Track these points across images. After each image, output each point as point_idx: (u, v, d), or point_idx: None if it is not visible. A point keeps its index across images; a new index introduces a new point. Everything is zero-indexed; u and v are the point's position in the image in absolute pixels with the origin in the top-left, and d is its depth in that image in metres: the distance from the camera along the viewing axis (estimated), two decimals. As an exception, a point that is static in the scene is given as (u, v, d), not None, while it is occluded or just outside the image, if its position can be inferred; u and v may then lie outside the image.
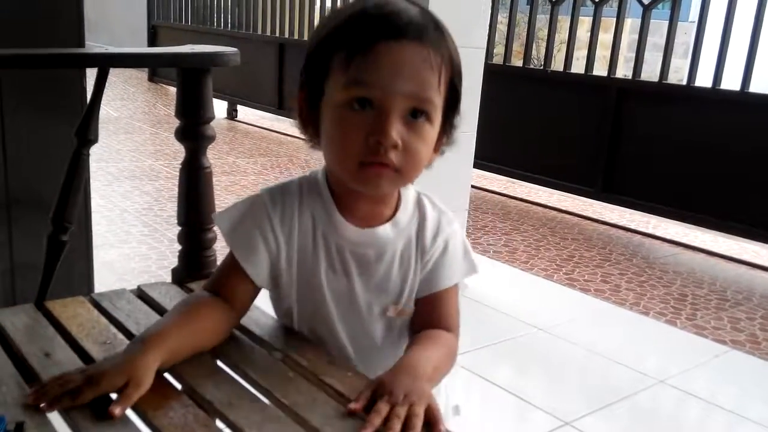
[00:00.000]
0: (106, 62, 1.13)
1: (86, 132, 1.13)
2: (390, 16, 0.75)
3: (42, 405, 0.68)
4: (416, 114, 0.76)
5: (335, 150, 0.79)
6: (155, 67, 6.65)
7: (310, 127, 0.83)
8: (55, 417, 0.70)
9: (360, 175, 0.77)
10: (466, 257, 0.89)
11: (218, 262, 1.29)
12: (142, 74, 7.54)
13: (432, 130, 0.78)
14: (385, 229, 0.85)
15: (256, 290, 0.88)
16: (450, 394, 0.96)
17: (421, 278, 0.87)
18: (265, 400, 0.75)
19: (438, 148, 0.83)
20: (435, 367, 0.77)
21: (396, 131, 0.74)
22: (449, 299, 0.88)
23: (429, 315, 0.87)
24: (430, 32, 0.77)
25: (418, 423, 0.67)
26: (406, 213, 0.86)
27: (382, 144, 0.74)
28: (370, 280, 0.86)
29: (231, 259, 0.86)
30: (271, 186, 0.89)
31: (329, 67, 0.77)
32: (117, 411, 0.67)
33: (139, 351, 0.73)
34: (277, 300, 0.91)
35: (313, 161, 4.29)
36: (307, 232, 0.85)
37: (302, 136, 0.86)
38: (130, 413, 0.70)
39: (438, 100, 0.77)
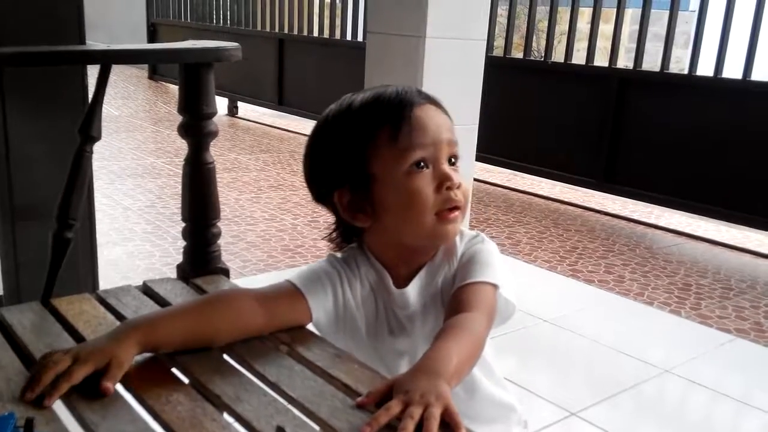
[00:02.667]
0: (108, 58, 1.13)
1: (89, 129, 1.13)
2: (403, 90, 0.87)
3: (45, 402, 0.69)
4: (452, 159, 0.86)
5: (413, 212, 0.84)
6: (157, 63, 6.64)
7: (360, 214, 0.87)
8: (63, 412, 0.70)
9: (438, 226, 0.84)
10: (496, 263, 0.90)
11: (222, 258, 1.30)
12: (142, 72, 7.54)
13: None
14: (422, 278, 0.90)
15: (302, 321, 0.88)
16: (517, 406, 0.99)
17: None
18: (273, 394, 0.75)
19: None
20: (458, 362, 0.75)
21: (456, 175, 0.84)
22: (472, 292, 0.86)
23: (453, 307, 0.86)
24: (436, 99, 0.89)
25: (434, 425, 0.64)
26: (440, 251, 0.91)
27: (451, 188, 0.83)
28: (424, 329, 0.89)
29: (289, 286, 0.88)
30: (335, 254, 0.94)
31: (367, 152, 0.84)
32: (110, 386, 0.72)
33: (121, 333, 0.78)
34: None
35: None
36: (369, 301, 0.90)
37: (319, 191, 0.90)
38: (138, 408, 0.70)
39: None
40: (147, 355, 0.80)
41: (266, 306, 0.86)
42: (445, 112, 0.89)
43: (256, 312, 0.85)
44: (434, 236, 0.86)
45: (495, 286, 0.86)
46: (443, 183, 0.83)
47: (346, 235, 0.93)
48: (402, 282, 0.90)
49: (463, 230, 0.92)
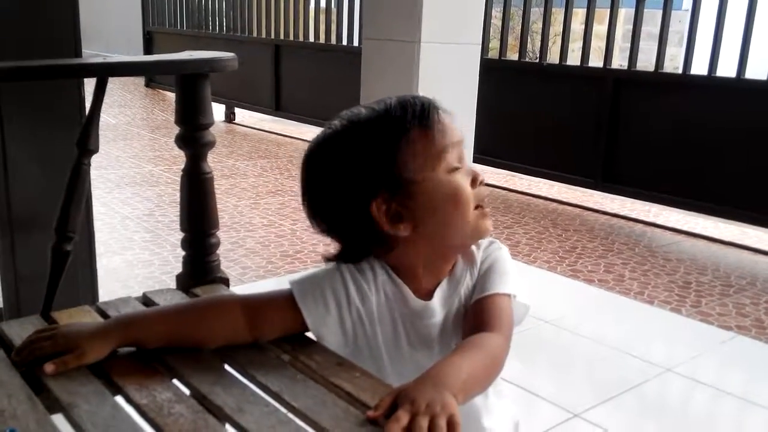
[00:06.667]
0: (104, 72, 1.14)
1: (87, 142, 1.13)
2: (416, 96, 0.87)
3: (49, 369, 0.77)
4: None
5: (460, 209, 0.85)
6: (154, 75, 6.64)
7: (401, 224, 0.84)
8: (66, 428, 0.70)
9: (480, 221, 0.86)
10: (510, 272, 0.91)
11: (221, 267, 1.30)
12: (139, 80, 7.54)
13: None
14: (443, 289, 0.89)
15: (291, 330, 0.88)
16: (511, 408, 0.96)
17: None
18: (275, 404, 0.75)
19: None
20: (469, 375, 0.74)
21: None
22: (492, 305, 0.86)
23: (473, 322, 0.85)
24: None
25: None
26: (459, 261, 0.91)
27: (482, 183, 0.87)
28: (444, 340, 0.88)
29: (284, 297, 0.86)
30: (345, 264, 0.88)
31: (403, 156, 0.82)
32: (49, 369, 0.77)
33: (101, 329, 0.83)
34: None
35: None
36: (385, 312, 0.87)
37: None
38: (140, 421, 0.70)
39: None
40: (148, 366, 0.81)
41: (255, 318, 0.86)
42: None
43: (241, 323, 0.85)
44: (477, 231, 0.87)
45: (512, 296, 0.87)
46: (476, 179, 0.86)
47: (357, 256, 0.88)
48: (422, 295, 0.88)
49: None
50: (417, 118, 0.84)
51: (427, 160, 0.83)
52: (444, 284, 0.89)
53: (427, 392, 0.69)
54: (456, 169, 0.84)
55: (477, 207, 0.86)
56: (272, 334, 0.87)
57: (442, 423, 0.65)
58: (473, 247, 0.91)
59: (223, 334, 0.86)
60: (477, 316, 0.85)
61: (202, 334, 0.85)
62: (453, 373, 0.73)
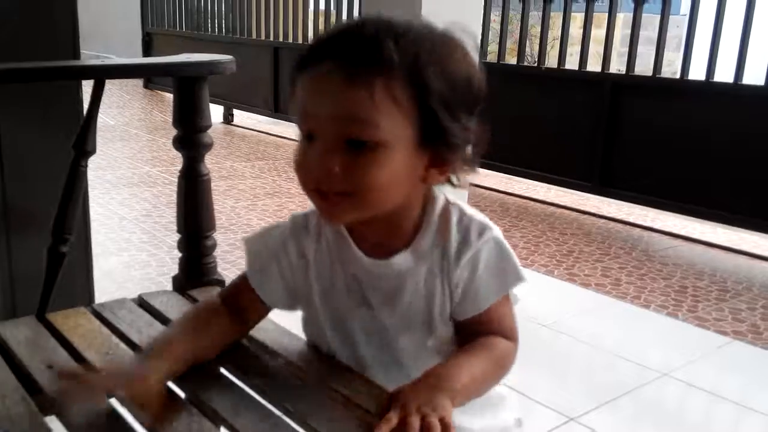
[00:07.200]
0: (102, 74, 1.13)
1: (84, 144, 1.13)
2: (332, 36, 0.72)
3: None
4: (355, 141, 0.69)
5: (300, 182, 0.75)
6: (152, 77, 6.64)
7: None
8: (59, 429, 0.70)
9: (319, 205, 0.75)
10: (504, 267, 0.79)
11: (218, 269, 1.30)
12: (137, 81, 7.53)
13: (389, 154, 0.70)
14: (402, 258, 0.79)
15: (267, 308, 0.88)
16: (512, 407, 0.93)
17: (456, 303, 0.80)
18: (271, 407, 0.75)
19: (431, 176, 0.75)
20: (469, 380, 0.72)
21: (332, 159, 0.69)
22: (495, 313, 0.80)
23: (476, 331, 0.80)
24: (379, 51, 0.68)
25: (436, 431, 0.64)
26: (427, 235, 0.79)
27: (315, 173, 0.71)
28: (393, 310, 0.81)
29: (245, 278, 0.86)
30: (299, 212, 0.86)
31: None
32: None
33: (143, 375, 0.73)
34: (305, 325, 0.90)
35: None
36: (325, 261, 0.82)
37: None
38: (135, 424, 0.70)
39: (386, 122, 0.69)
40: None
41: (241, 313, 0.86)
42: (407, 78, 0.69)
43: (232, 319, 0.85)
44: (320, 213, 0.77)
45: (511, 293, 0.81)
46: (310, 164, 0.72)
47: None
48: (371, 250, 0.80)
49: (462, 208, 0.80)
50: (297, 66, 0.72)
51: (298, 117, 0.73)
52: (407, 253, 0.79)
53: (421, 394, 0.68)
54: (308, 142, 0.72)
55: (320, 191, 0.73)
56: (254, 317, 0.87)
57: (435, 422, 0.65)
58: (452, 216, 0.78)
59: (228, 339, 0.86)
60: (477, 329, 0.79)
61: (214, 342, 0.84)
62: (453, 375, 0.71)
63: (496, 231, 0.80)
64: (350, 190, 0.71)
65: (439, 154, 0.74)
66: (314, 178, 0.71)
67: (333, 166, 0.69)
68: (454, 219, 0.79)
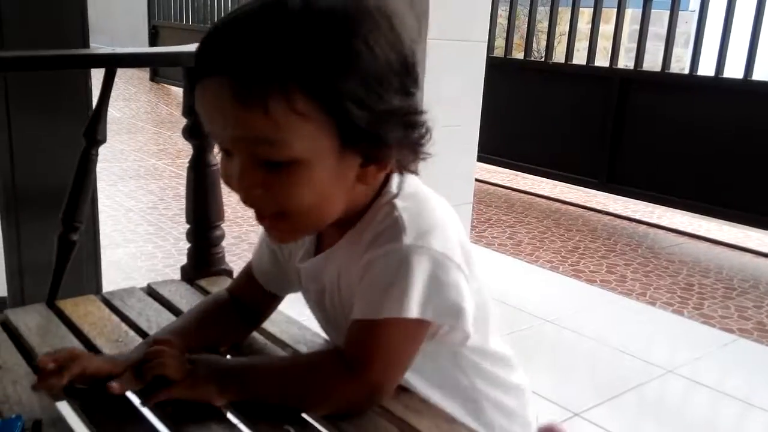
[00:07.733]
0: (113, 62, 1.14)
1: (94, 132, 1.13)
2: (218, 39, 0.61)
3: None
4: (270, 162, 0.62)
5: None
6: (161, 66, 6.64)
7: None
8: (70, 414, 0.70)
9: (260, 224, 0.69)
10: (388, 290, 0.65)
11: (226, 259, 1.30)
12: (143, 74, 7.54)
13: (310, 170, 0.62)
14: (317, 258, 0.75)
15: (275, 298, 0.88)
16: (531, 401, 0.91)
17: None
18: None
19: (369, 175, 0.67)
20: (260, 392, 0.69)
21: (252, 178, 0.63)
22: (358, 333, 0.68)
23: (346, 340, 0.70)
24: (268, 60, 0.58)
25: (161, 371, 0.67)
26: (352, 234, 0.71)
27: (241, 193, 0.65)
28: (325, 310, 0.78)
29: (249, 267, 0.88)
30: None
31: None
32: (115, 387, 0.69)
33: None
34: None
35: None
36: (299, 252, 0.80)
37: None
38: (146, 411, 0.70)
39: (295, 139, 0.60)
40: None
41: (249, 305, 0.86)
42: (300, 81, 0.59)
43: (241, 312, 0.86)
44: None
45: (402, 320, 0.65)
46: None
47: None
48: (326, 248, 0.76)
49: (396, 208, 0.68)
50: (192, 70, 0.63)
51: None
52: (327, 253, 0.74)
53: (199, 370, 0.69)
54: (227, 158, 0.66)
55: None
56: (263, 308, 0.88)
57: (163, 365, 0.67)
58: (374, 222, 0.69)
59: (237, 332, 0.87)
60: (347, 337, 0.69)
61: (222, 335, 0.84)
62: (241, 375, 0.70)
63: (411, 249, 0.65)
64: (281, 210, 0.65)
65: (370, 151, 0.65)
66: (243, 198, 0.65)
67: (254, 188, 0.63)
68: (378, 218, 0.69)
